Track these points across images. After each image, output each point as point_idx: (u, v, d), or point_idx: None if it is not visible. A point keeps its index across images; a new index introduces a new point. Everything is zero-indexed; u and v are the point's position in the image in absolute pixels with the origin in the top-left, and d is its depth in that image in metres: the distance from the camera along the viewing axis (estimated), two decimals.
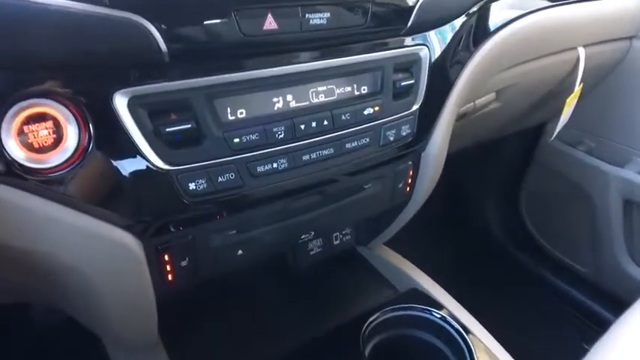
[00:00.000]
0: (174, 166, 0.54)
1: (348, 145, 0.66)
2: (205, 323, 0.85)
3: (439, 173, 0.85)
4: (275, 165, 0.60)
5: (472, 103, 0.99)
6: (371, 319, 0.80)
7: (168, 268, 0.61)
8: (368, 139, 0.67)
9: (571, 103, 1.25)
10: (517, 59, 0.99)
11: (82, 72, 0.49)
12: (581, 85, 1.22)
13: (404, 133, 0.71)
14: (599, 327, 0.95)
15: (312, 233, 0.74)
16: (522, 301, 1.59)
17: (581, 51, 1.16)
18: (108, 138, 0.51)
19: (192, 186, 0.55)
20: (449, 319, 0.82)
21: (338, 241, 0.92)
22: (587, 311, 1.55)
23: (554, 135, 1.31)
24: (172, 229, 0.59)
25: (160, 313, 0.79)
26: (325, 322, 0.82)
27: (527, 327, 1.45)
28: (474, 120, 1.12)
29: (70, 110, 0.49)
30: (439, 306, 0.85)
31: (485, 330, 0.86)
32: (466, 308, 0.88)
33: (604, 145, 1.47)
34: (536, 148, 1.63)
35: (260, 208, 0.65)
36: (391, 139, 0.70)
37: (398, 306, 0.83)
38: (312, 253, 0.89)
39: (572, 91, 1.22)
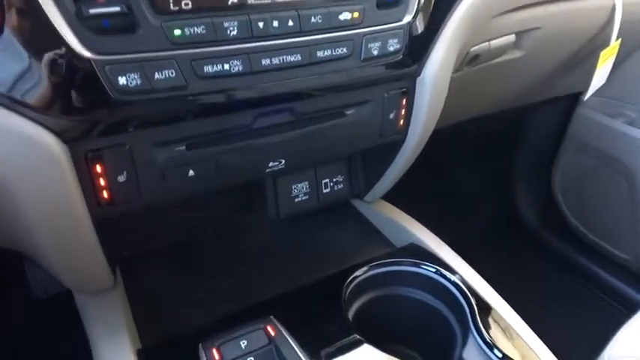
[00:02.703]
0: (100, 55, 0.46)
1: (319, 54, 0.57)
2: (172, 269, 0.77)
3: (439, 110, 0.74)
4: (227, 67, 0.52)
5: (487, 43, 0.88)
6: (355, 274, 0.70)
7: (102, 182, 0.53)
8: (345, 50, 0.58)
9: (607, 58, 1.12)
10: None
11: None
12: (619, 40, 1.09)
13: (391, 49, 0.62)
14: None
15: (282, 162, 0.65)
16: (549, 283, 1.46)
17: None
18: (22, 19, 0.44)
19: (122, 81, 0.47)
20: (445, 272, 0.71)
21: (328, 190, 0.82)
22: (623, 296, 1.39)
23: (588, 95, 1.17)
24: (103, 134, 0.51)
25: (122, 256, 0.73)
26: (303, 277, 0.72)
27: (552, 309, 1.31)
28: (493, 71, 1.01)
29: None
30: (440, 262, 0.74)
31: (495, 292, 0.74)
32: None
33: None
34: (570, 121, 1.49)
35: (212, 119, 0.57)
36: (375, 52, 0.61)
37: (386, 261, 0.73)
38: (296, 200, 0.80)
39: (607, 46, 1.09)
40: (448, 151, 1.64)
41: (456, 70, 0.90)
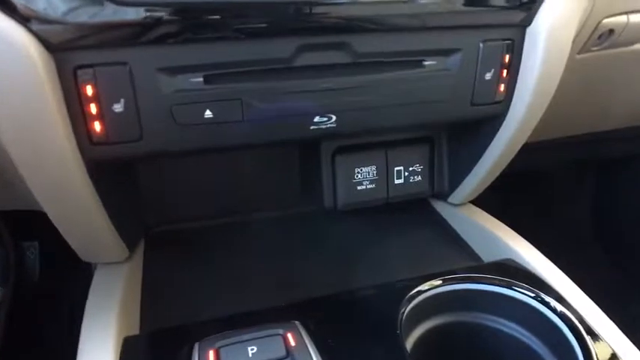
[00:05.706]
0: None
1: None
2: (204, 251, 0.65)
3: (555, 81, 0.55)
4: None
5: (625, 16, 0.68)
6: (420, 287, 0.52)
7: (93, 110, 0.42)
8: None
9: None
10: None
11: None
12: None
13: None
14: None
15: (333, 119, 0.49)
16: None
17: None
18: None
19: None
20: (549, 299, 0.51)
21: (401, 180, 0.66)
22: None
23: None
24: (97, 45, 0.40)
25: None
26: (353, 283, 0.56)
27: None
28: (630, 62, 0.79)
29: None
30: (544, 286, 0.54)
31: (627, 339, 0.52)
32: None
33: None
34: None
35: (240, 44, 0.43)
36: None
37: (466, 275, 0.54)
38: (359, 188, 0.64)
39: None
40: (564, 175, 1.40)
41: (582, 49, 0.71)
